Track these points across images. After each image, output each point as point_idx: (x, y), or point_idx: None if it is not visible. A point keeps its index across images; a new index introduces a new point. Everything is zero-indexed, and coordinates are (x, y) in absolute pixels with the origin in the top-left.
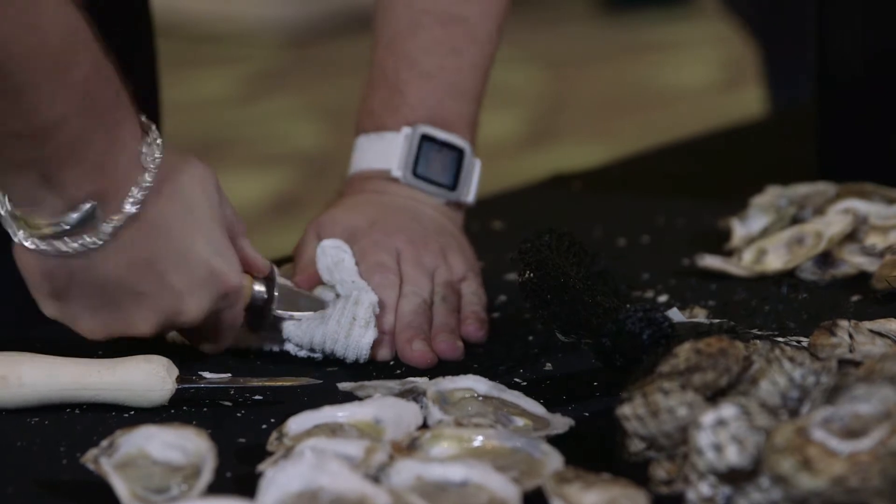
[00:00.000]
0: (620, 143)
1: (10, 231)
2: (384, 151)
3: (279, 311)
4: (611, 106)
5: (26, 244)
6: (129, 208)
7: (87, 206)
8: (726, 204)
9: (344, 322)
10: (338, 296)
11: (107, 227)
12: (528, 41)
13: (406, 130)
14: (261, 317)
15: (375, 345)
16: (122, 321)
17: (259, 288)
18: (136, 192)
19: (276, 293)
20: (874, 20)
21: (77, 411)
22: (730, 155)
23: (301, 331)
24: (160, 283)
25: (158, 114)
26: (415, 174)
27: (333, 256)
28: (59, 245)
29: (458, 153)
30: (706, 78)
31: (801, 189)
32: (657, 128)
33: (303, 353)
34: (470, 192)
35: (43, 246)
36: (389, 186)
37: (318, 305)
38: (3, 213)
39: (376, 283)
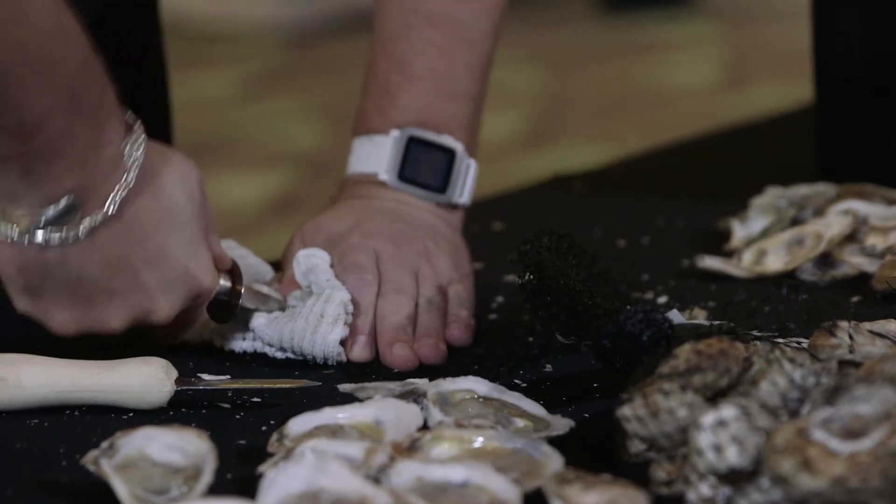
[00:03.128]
0: (620, 143)
1: None
2: (373, 155)
3: (246, 304)
4: (611, 106)
5: (3, 238)
6: (109, 207)
7: (66, 200)
8: (726, 205)
9: (312, 319)
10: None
11: (85, 224)
12: (528, 41)
13: (394, 133)
14: (226, 310)
15: (349, 344)
16: (93, 317)
17: (224, 282)
18: (117, 191)
19: (242, 288)
20: (874, 20)
21: (76, 413)
22: (730, 155)
23: (271, 329)
24: (135, 282)
25: (169, 115)
26: (401, 177)
27: (306, 263)
28: (36, 239)
29: (449, 155)
30: (706, 78)
31: (801, 190)
32: (657, 128)
33: (279, 354)
34: (463, 193)
35: (20, 239)
36: (378, 191)
37: (284, 305)
38: None
39: (351, 284)
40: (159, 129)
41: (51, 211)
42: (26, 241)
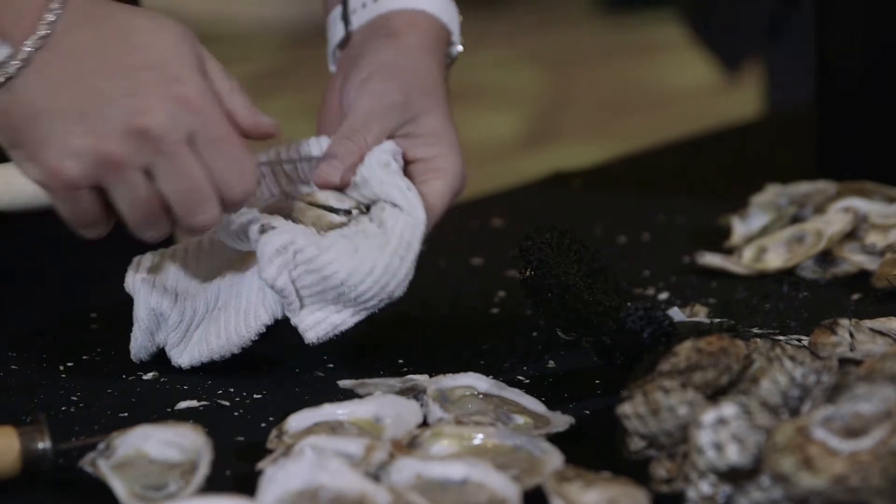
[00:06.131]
0: (620, 143)
1: None
2: (443, 5)
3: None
4: (611, 106)
5: None
6: (39, 31)
7: None
8: (727, 202)
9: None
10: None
11: (22, 53)
12: (528, 41)
13: None
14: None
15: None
16: (84, 144)
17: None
18: (47, 19)
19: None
20: (874, 20)
21: (72, 409)
22: (730, 153)
23: (349, 260)
24: (99, 95)
25: None
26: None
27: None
28: None
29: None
30: (706, 78)
31: (802, 187)
32: (657, 128)
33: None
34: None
35: None
36: (433, 48)
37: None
38: None
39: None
40: None
41: None
42: None
